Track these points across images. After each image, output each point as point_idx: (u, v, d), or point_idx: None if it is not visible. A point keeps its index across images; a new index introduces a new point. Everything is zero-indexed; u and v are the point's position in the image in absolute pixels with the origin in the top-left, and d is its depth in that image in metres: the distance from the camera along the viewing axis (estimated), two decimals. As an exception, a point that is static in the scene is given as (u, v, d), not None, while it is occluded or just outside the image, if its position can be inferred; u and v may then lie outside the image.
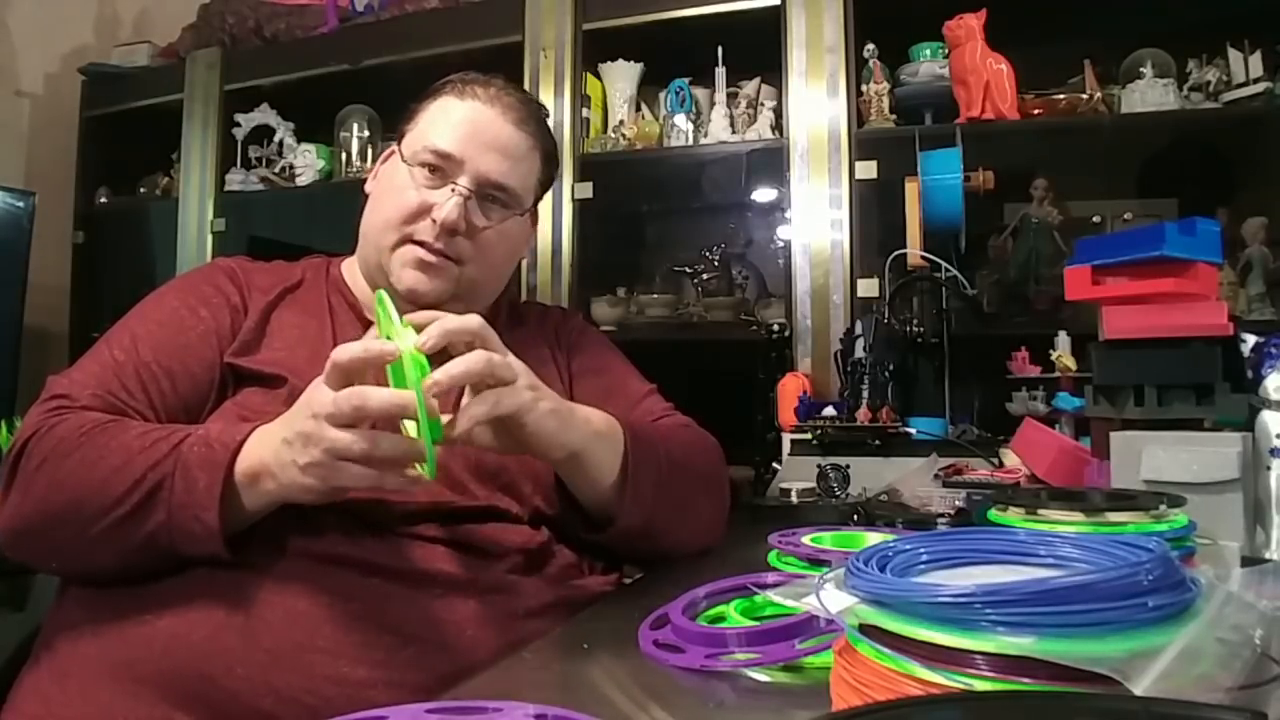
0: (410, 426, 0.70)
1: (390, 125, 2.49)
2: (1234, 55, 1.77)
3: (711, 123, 2.09)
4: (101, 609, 0.75)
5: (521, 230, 1.01)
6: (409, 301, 0.93)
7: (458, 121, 0.94)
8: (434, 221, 0.91)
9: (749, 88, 2.12)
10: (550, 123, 1.06)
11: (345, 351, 0.67)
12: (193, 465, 0.71)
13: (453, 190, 0.91)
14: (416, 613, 0.75)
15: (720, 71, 2.09)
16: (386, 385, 0.69)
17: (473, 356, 0.70)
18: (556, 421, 0.78)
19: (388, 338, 0.69)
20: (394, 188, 0.94)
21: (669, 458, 0.89)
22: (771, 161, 2.01)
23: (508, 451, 0.79)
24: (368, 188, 1.02)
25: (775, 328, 1.82)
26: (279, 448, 0.70)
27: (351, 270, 1.01)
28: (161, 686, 0.70)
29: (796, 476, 1.36)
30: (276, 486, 0.70)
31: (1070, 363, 1.52)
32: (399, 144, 0.98)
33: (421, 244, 0.92)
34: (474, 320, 0.73)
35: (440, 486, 0.83)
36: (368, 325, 0.95)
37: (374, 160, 2.41)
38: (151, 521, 0.71)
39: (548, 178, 1.04)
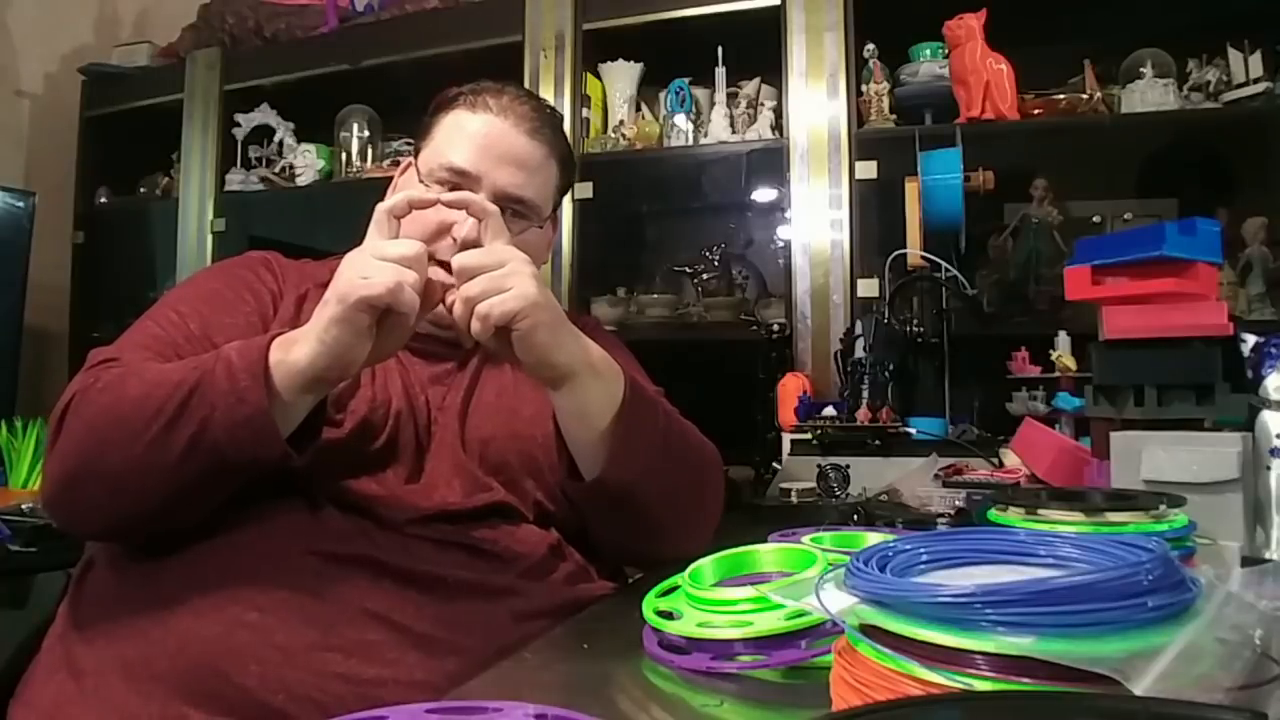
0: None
1: (390, 125, 2.49)
2: (1234, 55, 1.77)
3: (711, 123, 2.08)
4: (116, 606, 0.75)
5: (541, 239, 1.00)
6: (434, 323, 0.92)
7: (471, 136, 0.94)
8: (454, 240, 0.90)
9: (749, 88, 2.12)
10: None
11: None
12: (231, 354, 0.72)
13: None
14: (427, 614, 0.76)
15: (720, 71, 2.09)
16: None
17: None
18: (549, 337, 0.77)
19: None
20: None
21: (668, 429, 0.88)
22: (771, 161, 2.01)
23: (505, 356, 0.79)
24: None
25: (775, 328, 1.82)
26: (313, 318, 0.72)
27: None
28: (176, 683, 0.70)
29: (796, 476, 1.36)
30: (308, 347, 0.71)
31: (1070, 363, 1.52)
32: (415, 159, 0.97)
33: (442, 264, 0.91)
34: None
35: (448, 488, 0.84)
36: None
37: (374, 160, 2.45)
38: (197, 417, 0.70)
39: (566, 183, 1.03)
